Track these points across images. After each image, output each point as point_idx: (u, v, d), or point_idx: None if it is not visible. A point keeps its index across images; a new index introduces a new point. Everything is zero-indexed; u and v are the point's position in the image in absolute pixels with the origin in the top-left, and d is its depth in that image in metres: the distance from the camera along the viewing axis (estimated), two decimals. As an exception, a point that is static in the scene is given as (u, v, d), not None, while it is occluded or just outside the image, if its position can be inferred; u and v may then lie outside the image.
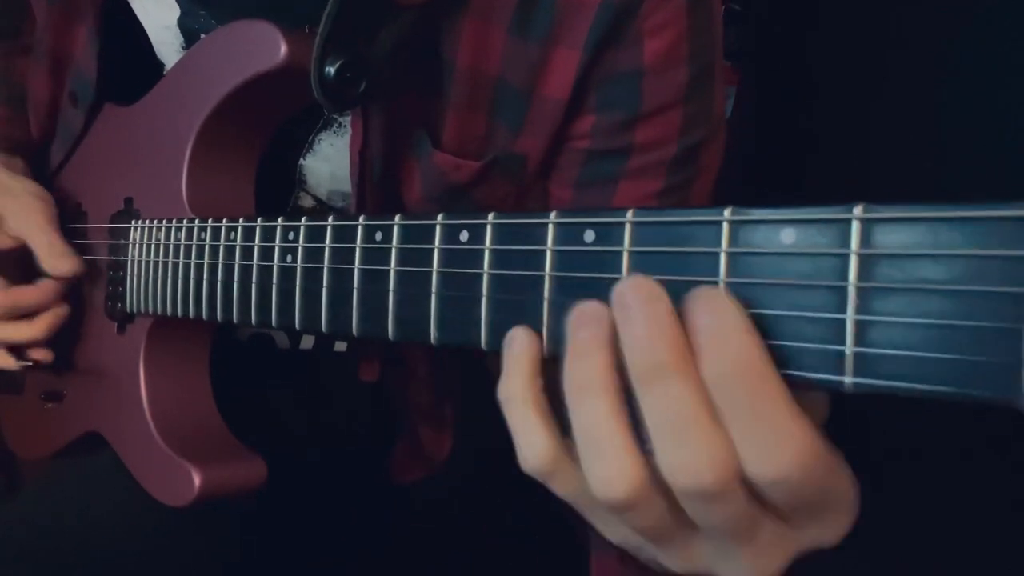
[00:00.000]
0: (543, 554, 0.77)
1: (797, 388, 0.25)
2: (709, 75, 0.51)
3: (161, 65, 0.60)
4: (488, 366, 0.41)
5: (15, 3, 0.67)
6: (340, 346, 0.72)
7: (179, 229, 0.52)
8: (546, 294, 0.32)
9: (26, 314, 0.61)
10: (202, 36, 0.55)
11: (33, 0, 0.63)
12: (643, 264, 0.29)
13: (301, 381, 0.72)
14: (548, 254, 0.32)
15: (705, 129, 0.52)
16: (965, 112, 0.89)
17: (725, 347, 0.25)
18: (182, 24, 0.56)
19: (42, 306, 0.61)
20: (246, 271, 0.46)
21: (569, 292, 0.31)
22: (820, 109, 1.15)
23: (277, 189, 0.60)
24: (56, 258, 0.59)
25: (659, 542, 0.29)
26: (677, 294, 0.28)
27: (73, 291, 0.64)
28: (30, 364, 0.62)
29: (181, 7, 0.55)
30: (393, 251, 0.38)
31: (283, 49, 0.47)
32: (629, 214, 0.30)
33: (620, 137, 0.51)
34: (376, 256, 0.39)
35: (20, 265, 0.62)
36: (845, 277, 0.24)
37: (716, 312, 0.25)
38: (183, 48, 0.57)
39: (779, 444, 0.24)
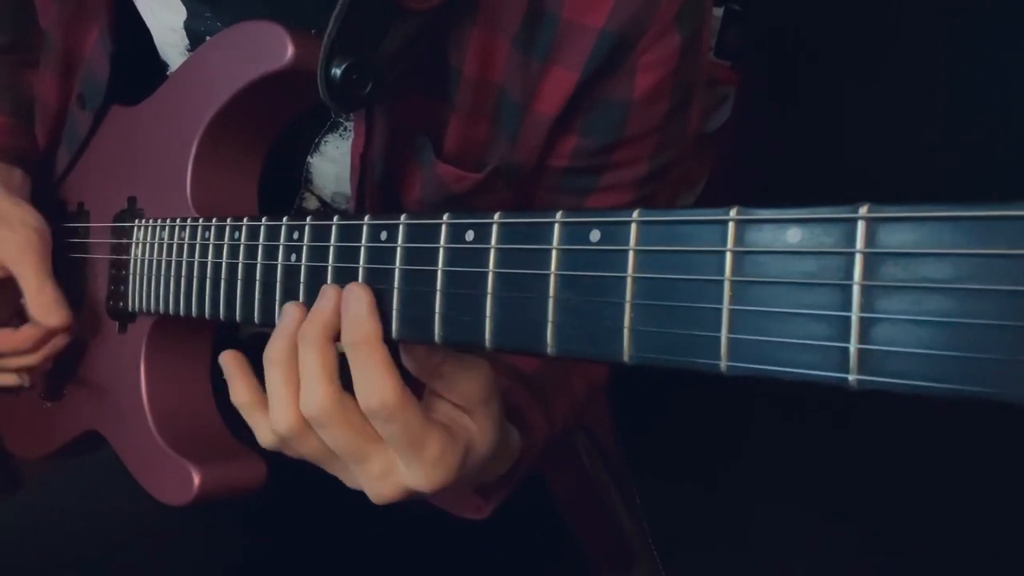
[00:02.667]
0: (542, 554, 0.77)
1: (800, 386, 0.26)
2: (687, 103, 0.53)
3: (165, 66, 0.60)
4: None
5: (24, 16, 0.66)
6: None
7: (183, 228, 0.52)
8: (551, 293, 0.32)
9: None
10: (207, 38, 0.55)
11: (40, 4, 0.63)
12: (649, 263, 0.30)
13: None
14: (553, 253, 0.32)
15: (676, 150, 0.55)
16: (970, 111, 0.90)
17: (356, 327, 0.38)
18: (188, 26, 0.56)
19: (22, 352, 0.59)
20: (250, 270, 0.46)
21: (575, 291, 0.32)
22: (820, 109, 1.15)
23: (283, 189, 0.61)
24: (45, 308, 0.57)
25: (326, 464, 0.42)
26: (683, 294, 0.29)
27: (75, 290, 0.64)
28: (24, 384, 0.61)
29: (187, 9, 0.55)
30: (398, 250, 0.38)
31: (290, 50, 0.47)
32: (635, 214, 0.30)
33: (598, 158, 0.53)
34: (381, 255, 0.39)
35: (8, 295, 0.61)
36: (850, 276, 0.25)
37: (352, 303, 0.38)
38: (188, 50, 0.57)
39: (370, 389, 0.37)
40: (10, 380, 0.61)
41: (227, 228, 0.48)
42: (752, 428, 0.93)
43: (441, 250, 0.36)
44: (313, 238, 0.42)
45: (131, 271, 0.58)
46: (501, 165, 0.53)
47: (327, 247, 0.41)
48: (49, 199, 0.67)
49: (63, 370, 0.66)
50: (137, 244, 0.57)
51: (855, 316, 0.24)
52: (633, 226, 0.30)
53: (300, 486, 0.65)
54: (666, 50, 0.49)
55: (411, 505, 0.74)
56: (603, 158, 0.53)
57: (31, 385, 0.62)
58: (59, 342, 0.60)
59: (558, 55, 0.49)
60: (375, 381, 0.37)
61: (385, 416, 0.37)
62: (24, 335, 0.58)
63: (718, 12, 1.29)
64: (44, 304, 0.57)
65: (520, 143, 0.52)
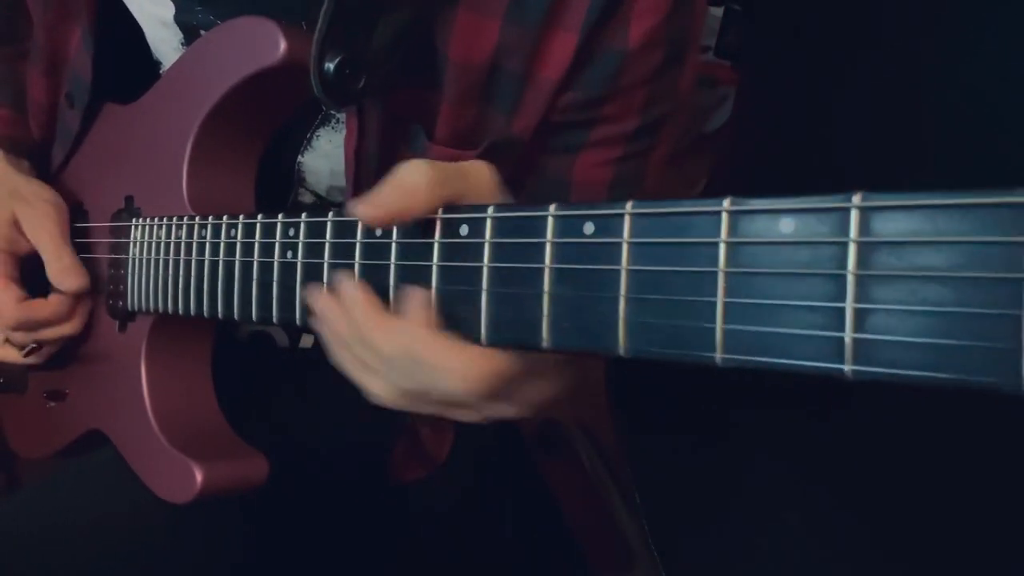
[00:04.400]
0: (542, 554, 0.77)
1: (803, 384, 0.26)
2: (681, 57, 0.52)
3: (158, 63, 0.61)
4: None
5: (17, 7, 0.67)
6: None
7: (180, 227, 0.52)
8: (546, 287, 0.32)
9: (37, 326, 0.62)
10: (201, 32, 0.55)
11: (29, 1, 0.63)
12: (643, 255, 0.29)
13: (301, 379, 0.72)
14: (548, 247, 0.32)
15: (668, 104, 0.54)
16: (972, 111, 0.89)
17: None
18: (179, 20, 0.56)
19: (54, 321, 0.62)
20: (247, 268, 0.47)
21: (570, 284, 0.32)
22: (820, 109, 1.15)
23: (277, 186, 0.61)
24: (63, 273, 0.60)
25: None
26: (677, 286, 0.28)
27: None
28: (36, 348, 0.63)
29: (175, 3, 0.55)
30: (393, 246, 0.38)
31: (282, 46, 0.47)
32: (628, 206, 0.30)
33: (589, 111, 0.52)
34: (376, 251, 0.39)
35: (35, 270, 0.62)
36: (844, 265, 0.24)
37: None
38: (182, 44, 0.57)
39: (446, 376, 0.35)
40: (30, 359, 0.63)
41: (223, 226, 0.48)
42: (754, 429, 0.93)
43: (436, 245, 0.36)
44: (309, 235, 0.42)
45: (129, 270, 0.58)
46: (498, 141, 0.52)
47: (323, 244, 0.41)
48: None
49: (66, 370, 0.67)
50: (135, 243, 0.57)
51: (850, 306, 0.24)
52: (627, 218, 0.30)
53: (302, 483, 0.65)
54: None
55: (410, 503, 0.74)
56: (594, 111, 0.52)
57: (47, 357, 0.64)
58: (86, 309, 0.63)
59: (555, 18, 0.48)
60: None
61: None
62: (55, 302, 0.61)
63: (718, 12, 1.29)
64: (61, 269, 0.60)
65: (522, 113, 0.52)
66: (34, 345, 0.63)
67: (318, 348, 0.73)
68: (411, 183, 0.36)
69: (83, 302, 0.63)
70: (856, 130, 1.09)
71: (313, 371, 0.72)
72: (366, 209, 0.37)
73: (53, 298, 0.61)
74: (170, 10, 0.56)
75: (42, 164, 0.69)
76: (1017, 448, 0.68)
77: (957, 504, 0.72)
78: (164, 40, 0.58)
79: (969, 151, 0.90)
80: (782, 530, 0.83)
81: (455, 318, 0.36)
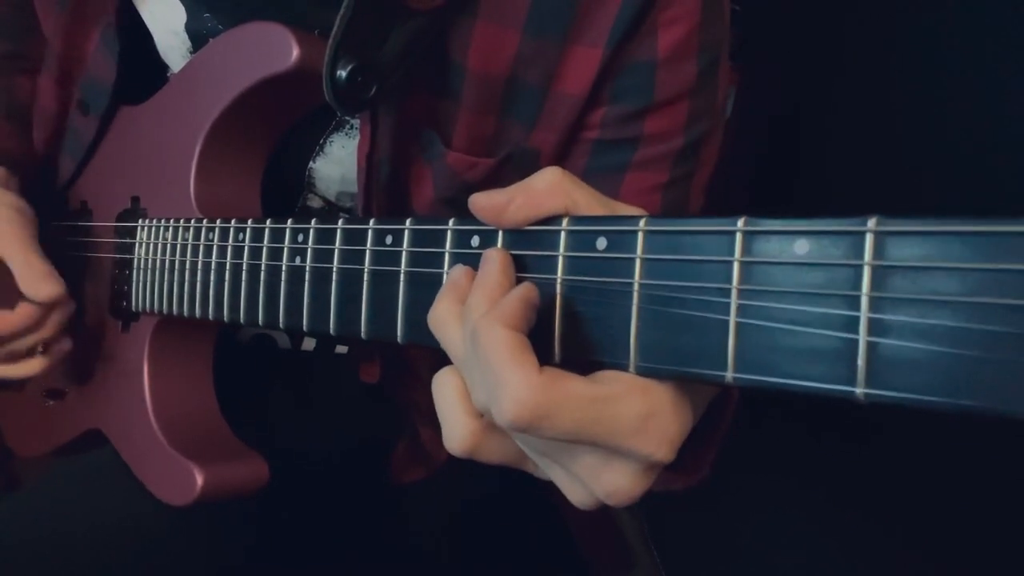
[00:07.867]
0: (542, 555, 0.77)
1: (809, 398, 0.26)
2: (715, 69, 0.52)
3: (165, 68, 0.60)
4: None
5: (21, 23, 0.66)
6: (341, 348, 0.73)
7: (187, 229, 0.52)
8: (558, 300, 0.32)
9: (6, 339, 0.58)
10: (209, 40, 0.55)
11: (41, 10, 0.63)
12: (655, 271, 0.30)
13: (302, 382, 0.72)
14: (560, 260, 0.32)
15: (708, 122, 0.53)
16: (971, 111, 0.89)
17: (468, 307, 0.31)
18: (189, 28, 0.56)
19: (22, 333, 0.58)
20: (254, 272, 0.47)
21: (581, 298, 0.32)
22: (820, 109, 1.15)
23: (285, 190, 0.61)
24: (36, 281, 0.56)
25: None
26: (690, 303, 0.29)
27: (77, 289, 0.64)
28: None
29: (187, 10, 0.55)
30: (403, 254, 0.38)
31: (295, 52, 0.47)
32: (642, 223, 0.30)
33: (629, 128, 0.51)
34: (386, 259, 0.39)
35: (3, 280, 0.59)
36: (858, 288, 0.25)
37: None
38: (190, 52, 0.57)
39: (497, 394, 0.27)
40: (28, 368, 0.60)
41: (231, 230, 0.48)
42: (752, 429, 0.94)
43: (447, 255, 0.36)
44: (318, 241, 0.43)
45: (134, 271, 0.58)
46: (515, 151, 0.52)
47: (332, 250, 0.42)
48: (50, 198, 0.67)
49: (65, 369, 0.66)
50: (141, 244, 0.57)
51: (863, 329, 0.24)
52: (640, 234, 0.30)
53: (302, 485, 0.65)
54: (687, 4, 0.48)
55: (410, 503, 0.74)
56: (635, 127, 0.51)
57: (55, 362, 0.61)
58: (61, 315, 0.59)
59: (578, 33, 0.48)
60: (503, 386, 0.27)
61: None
62: (21, 314, 0.57)
63: (719, 12, 1.29)
64: (32, 277, 0.56)
65: (541, 126, 0.51)
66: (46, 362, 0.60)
67: (319, 350, 0.73)
68: (542, 181, 0.33)
69: (57, 310, 0.59)
70: (855, 129, 1.09)
71: (314, 373, 0.73)
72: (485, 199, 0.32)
73: (21, 308, 0.57)
74: (181, 17, 0.55)
75: (47, 174, 0.67)
76: (1017, 454, 0.68)
77: (956, 509, 0.73)
78: (173, 47, 0.58)
79: (969, 151, 0.90)
80: (781, 530, 0.83)
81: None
